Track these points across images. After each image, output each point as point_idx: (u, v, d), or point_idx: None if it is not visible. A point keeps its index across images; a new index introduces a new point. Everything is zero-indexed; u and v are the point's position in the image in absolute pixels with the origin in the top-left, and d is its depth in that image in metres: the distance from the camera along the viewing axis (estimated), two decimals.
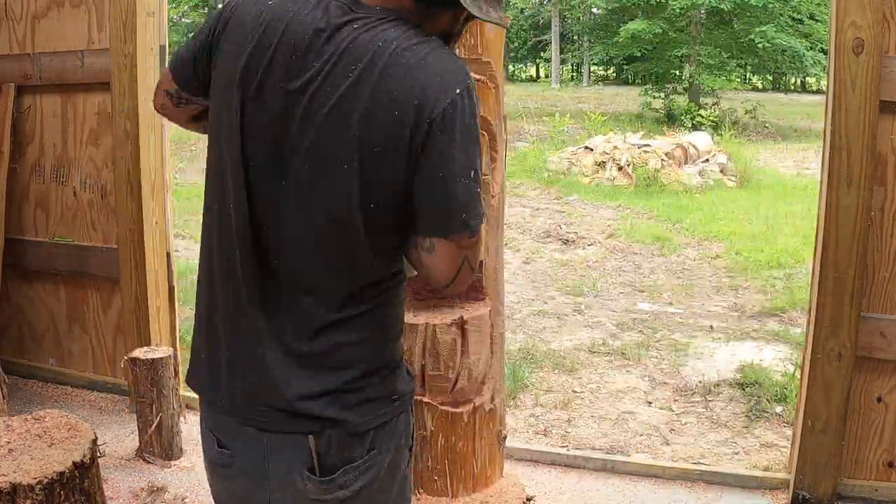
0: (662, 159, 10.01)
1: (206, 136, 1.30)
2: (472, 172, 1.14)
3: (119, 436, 3.18)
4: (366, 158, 1.11)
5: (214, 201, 1.25)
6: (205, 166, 1.29)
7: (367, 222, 1.14)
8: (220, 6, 1.27)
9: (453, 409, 2.03)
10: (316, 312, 1.18)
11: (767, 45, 17.62)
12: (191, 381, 1.33)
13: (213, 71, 1.23)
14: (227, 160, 1.19)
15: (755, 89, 26.86)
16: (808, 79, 26.91)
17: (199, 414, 1.35)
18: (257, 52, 1.16)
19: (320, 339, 1.18)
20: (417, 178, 1.12)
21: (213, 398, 1.27)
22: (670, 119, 16.42)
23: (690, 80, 17.86)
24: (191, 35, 1.32)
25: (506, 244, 2.38)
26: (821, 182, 2.57)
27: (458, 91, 1.12)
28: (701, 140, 11.14)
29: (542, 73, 36.19)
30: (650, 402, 3.77)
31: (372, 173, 1.12)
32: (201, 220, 1.29)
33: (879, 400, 2.62)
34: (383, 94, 1.10)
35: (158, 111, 1.41)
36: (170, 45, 3.32)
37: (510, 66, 34.89)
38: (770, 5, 17.62)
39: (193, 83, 1.30)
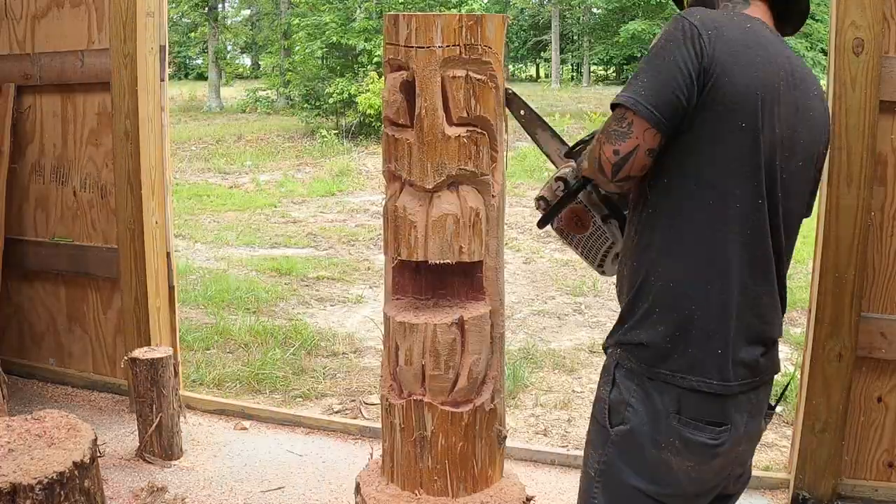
0: None
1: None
2: None
3: (119, 436, 3.18)
4: None
5: None
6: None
7: None
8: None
9: (453, 409, 2.03)
10: None
11: None
12: None
13: None
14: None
15: None
16: None
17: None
18: None
19: None
20: None
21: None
22: None
23: None
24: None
25: (506, 244, 2.38)
26: (821, 182, 2.57)
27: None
28: None
29: (542, 73, 36.18)
30: None
31: None
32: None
33: (879, 400, 2.62)
34: None
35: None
36: (170, 45, 3.32)
37: (511, 66, 34.89)
38: None
39: None
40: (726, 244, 1.39)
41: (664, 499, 1.46)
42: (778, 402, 1.60)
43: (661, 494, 1.46)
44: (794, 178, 1.44)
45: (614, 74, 32.66)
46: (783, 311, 1.52)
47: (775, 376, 1.54)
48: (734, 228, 1.38)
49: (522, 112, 2.03)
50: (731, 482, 1.54)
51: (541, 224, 1.84)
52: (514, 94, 2.03)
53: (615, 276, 1.64)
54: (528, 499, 2.18)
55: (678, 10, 1.55)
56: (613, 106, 1.43)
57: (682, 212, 1.40)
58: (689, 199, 1.39)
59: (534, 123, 2.01)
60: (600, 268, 1.83)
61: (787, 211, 1.44)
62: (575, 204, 1.79)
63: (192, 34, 25.96)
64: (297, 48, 16.27)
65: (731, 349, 1.41)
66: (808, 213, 1.56)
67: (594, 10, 29.53)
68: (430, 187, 1.94)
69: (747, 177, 1.38)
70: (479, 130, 1.95)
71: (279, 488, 2.83)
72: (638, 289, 1.48)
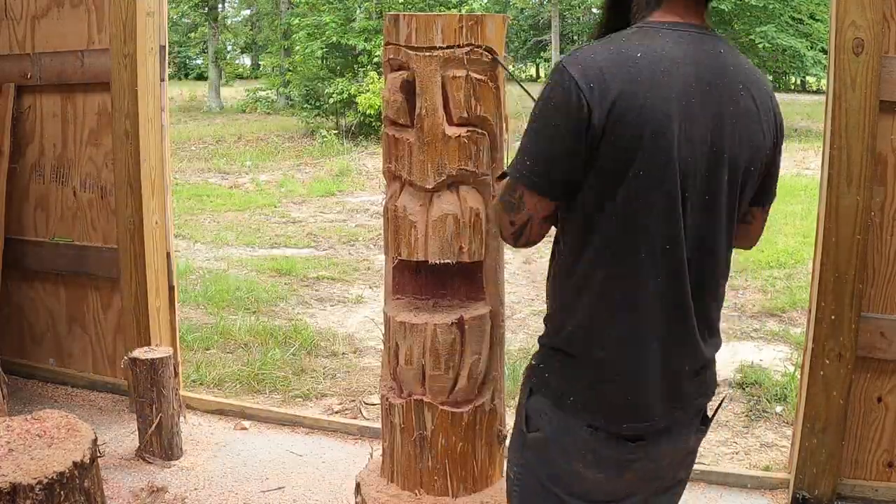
0: None
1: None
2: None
3: (119, 436, 3.18)
4: None
5: None
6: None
7: None
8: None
9: (453, 409, 2.03)
10: None
11: (768, 45, 17.61)
12: None
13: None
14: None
15: None
16: (808, 79, 26.90)
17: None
18: None
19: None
20: None
21: None
22: None
23: None
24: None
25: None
26: (821, 182, 2.57)
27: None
28: None
29: (542, 73, 36.19)
30: None
31: None
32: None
33: (879, 400, 2.62)
34: None
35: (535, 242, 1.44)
36: (170, 45, 3.32)
37: (511, 66, 34.90)
38: (770, 5, 17.63)
39: None
40: (637, 290, 1.32)
41: (576, 502, 1.43)
42: (713, 416, 1.50)
43: (573, 498, 1.43)
44: (717, 199, 1.34)
45: None
46: (712, 335, 1.44)
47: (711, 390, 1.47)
48: (646, 272, 1.31)
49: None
50: (654, 493, 1.48)
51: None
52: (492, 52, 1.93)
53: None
54: None
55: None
56: (502, 175, 1.41)
57: (591, 262, 1.34)
58: (594, 253, 1.33)
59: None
60: None
61: (709, 236, 1.35)
62: None
63: (192, 34, 25.96)
64: (297, 48, 16.26)
65: (646, 390, 1.35)
66: (754, 219, 1.52)
67: (594, 9, 29.50)
68: (431, 187, 1.94)
69: (655, 220, 1.29)
70: (480, 130, 1.95)
71: (279, 488, 2.83)
72: (558, 316, 1.42)
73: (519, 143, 1.37)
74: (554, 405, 1.39)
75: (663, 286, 1.32)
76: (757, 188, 1.45)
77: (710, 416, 1.50)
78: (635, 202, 1.28)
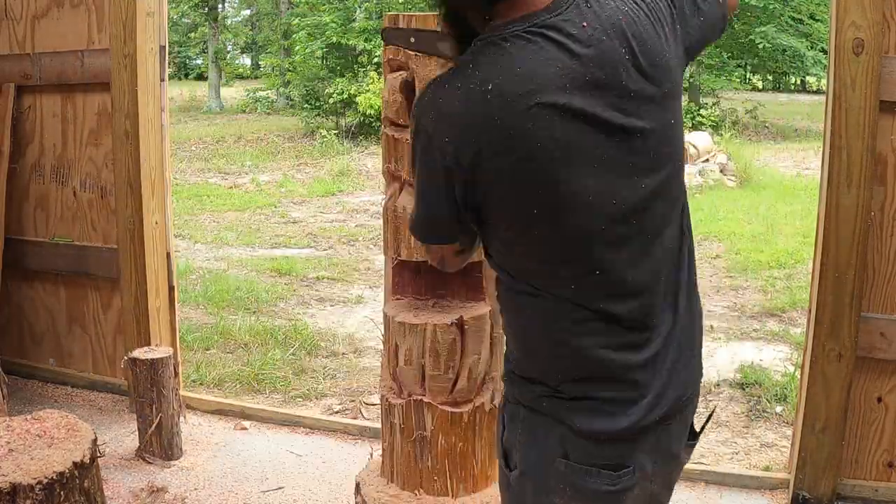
0: None
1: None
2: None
3: (119, 436, 3.18)
4: None
5: None
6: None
7: None
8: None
9: (453, 409, 2.03)
10: None
11: (768, 45, 17.60)
12: None
13: None
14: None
15: (755, 89, 26.84)
16: (808, 79, 26.90)
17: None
18: None
19: None
20: None
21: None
22: None
23: (690, 80, 17.85)
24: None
25: None
26: (821, 182, 2.57)
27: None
28: (701, 140, 11.14)
29: None
30: None
31: None
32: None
33: (879, 400, 2.62)
34: None
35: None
36: (170, 45, 3.32)
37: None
38: (770, 5, 17.61)
39: None
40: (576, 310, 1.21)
41: None
42: (702, 429, 1.39)
43: None
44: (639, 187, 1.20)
45: None
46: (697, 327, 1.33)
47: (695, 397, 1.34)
48: (582, 294, 1.20)
49: (412, 39, 1.82)
50: None
51: None
52: (390, 29, 1.83)
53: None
54: None
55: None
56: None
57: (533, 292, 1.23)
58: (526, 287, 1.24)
59: (431, 41, 1.80)
60: None
61: (643, 221, 1.21)
62: None
63: (192, 34, 25.95)
64: (297, 48, 16.25)
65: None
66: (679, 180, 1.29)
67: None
68: None
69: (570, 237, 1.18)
70: None
71: (279, 488, 2.83)
72: (520, 339, 1.31)
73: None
74: (524, 427, 1.30)
75: (611, 293, 1.26)
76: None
77: (697, 430, 1.38)
78: (536, 235, 1.24)
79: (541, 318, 1.24)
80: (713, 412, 1.97)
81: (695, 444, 1.36)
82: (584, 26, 1.15)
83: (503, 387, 1.36)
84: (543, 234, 1.18)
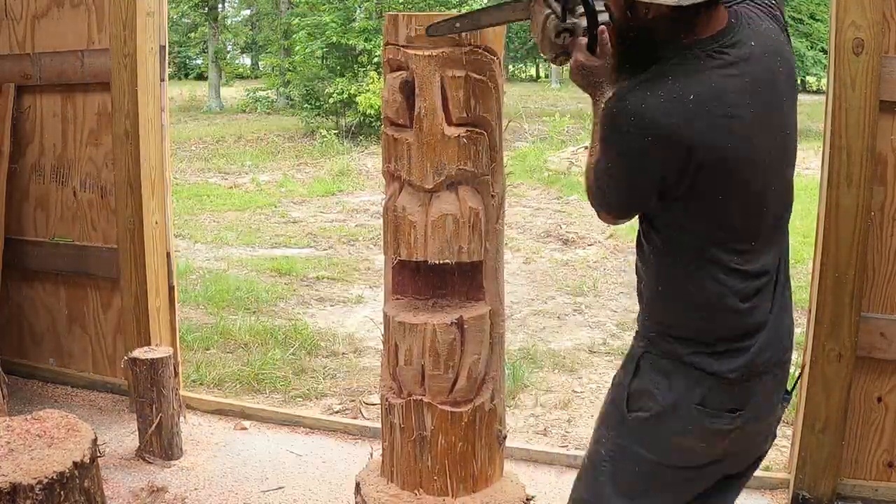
0: None
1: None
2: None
3: (119, 436, 3.18)
4: None
5: None
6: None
7: None
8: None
9: (453, 409, 2.03)
10: None
11: None
12: None
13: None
14: None
15: None
16: (808, 79, 26.89)
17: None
18: None
19: None
20: None
21: None
22: None
23: None
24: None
25: (506, 244, 2.38)
26: (821, 182, 2.57)
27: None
28: None
29: (541, 73, 36.19)
30: None
31: None
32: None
33: (879, 400, 2.62)
34: None
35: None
36: (170, 45, 3.32)
37: (510, 66, 34.88)
38: None
39: None
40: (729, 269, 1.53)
41: (675, 471, 1.60)
42: (793, 388, 1.68)
43: (673, 466, 1.60)
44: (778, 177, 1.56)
45: None
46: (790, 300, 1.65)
47: (791, 360, 1.65)
48: (736, 256, 1.51)
49: (457, 24, 1.85)
50: (740, 461, 1.67)
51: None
52: (434, 24, 1.85)
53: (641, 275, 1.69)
54: (529, 499, 2.18)
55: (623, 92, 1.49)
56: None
57: (700, 250, 1.52)
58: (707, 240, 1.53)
59: (473, 20, 1.84)
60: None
61: (776, 206, 1.57)
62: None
63: (192, 34, 25.94)
64: (297, 48, 16.24)
65: (753, 342, 1.55)
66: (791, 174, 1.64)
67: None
68: (430, 187, 1.95)
69: (739, 213, 1.51)
70: (479, 131, 1.95)
71: (279, 488, 2.83)
72: (673, 296, 1.58)
73: (599, 161, 1.53)
74: (665, 377, 1.57)
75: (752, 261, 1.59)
76: None
77: (790, 389, 1.66)
78: (721, 208, 1.55)
79: (728, 291, 1.51)
80: (801, 373, 2.36)
81: (789, 399, 1.66)
82: (752, 45, 1.46)
83: (639, 343, 1.64)
84: (727, 218, 1.48)
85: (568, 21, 1.63)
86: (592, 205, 1.60)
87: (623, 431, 1.61)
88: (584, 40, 1.58)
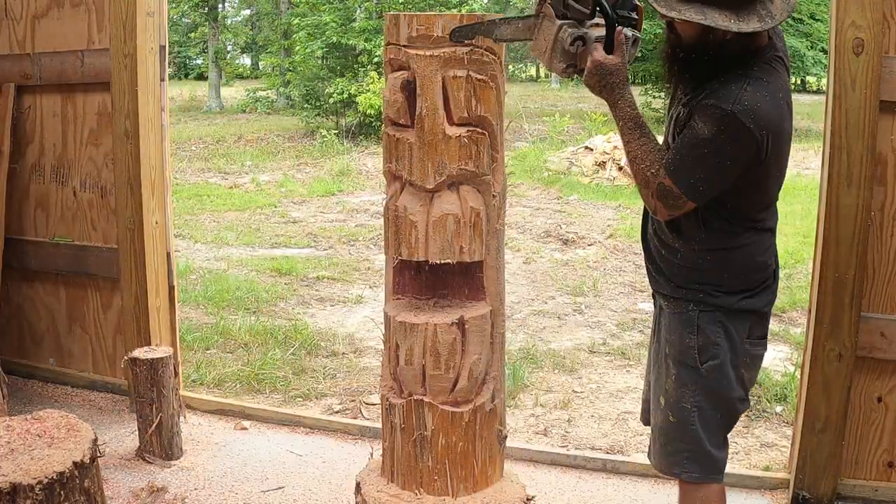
0: None
1: None
2: None
3: (119, 436, 3.18)
4: None
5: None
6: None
7: None
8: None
9: (453, 409, 2.03)
10: None
11: None
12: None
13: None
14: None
15: None
16: (808, 78, 26.89)
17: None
18: None
19: None
20: None
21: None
22: None
23: None
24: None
25: (506, 244, 2.38)
26: (821, 182, 2.57)
27: None
28: None
29: (542, 73, 36.19)
30: None
31: None
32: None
33: (879, 400, 2.62)
34: None
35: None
36: (170, 45, 3.32)
37: (510, 66, 34.88)
38: None
39: None
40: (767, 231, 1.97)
41: (742, 402, 2.00)
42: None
43: (741, 399, 1.99)
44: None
45: None
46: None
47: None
48: (763, 216, 1.93)
49: (477, 28, 1.90)
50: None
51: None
52: (458, 28, 1.89)
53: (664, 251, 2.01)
54: (529, 499, 2.18)
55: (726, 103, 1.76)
56: (671, 187, 1.82)
57: (750, 217, 1.91)
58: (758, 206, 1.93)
59: (490, 30, 1.90)
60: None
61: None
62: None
63: (192, 34, 25.95)
64: (297, 48, 16.24)
65: (774, 280, 2.00)
66: None
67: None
68: (431, 187, 1.95)
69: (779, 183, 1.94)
70: (480, 130, 1.95)
71: (279, 488, 2.83)
72: (713, 264, 1.92)
73: (683, 156, 1.77)
74: (720, 326, 1.91)
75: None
76: None
77: None
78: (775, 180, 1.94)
79: (758, 245, 1.92)
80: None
81: None
82: (776, 49, 1.87)
83: (688, 307, 1.94)
84: (769, 188, 1.89)
85: (580, 29, 1.76)
86: (659, 199, 1.82)
87: (701, 383, 1.94)
88: (599, 44, 1.77)
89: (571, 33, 1.77)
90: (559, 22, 1.77)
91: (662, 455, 2.05)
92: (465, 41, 1.90)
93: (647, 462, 2.22)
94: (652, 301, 2.22)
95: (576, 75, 1.82)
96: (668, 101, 2.10)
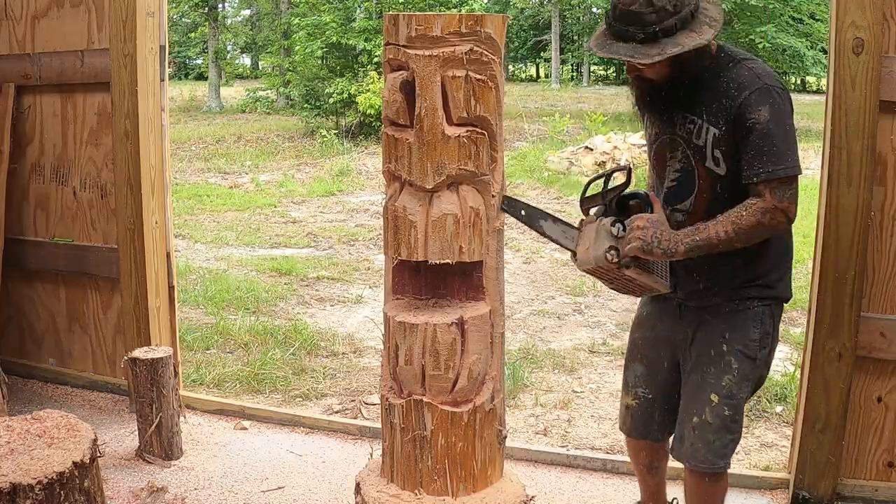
0: None
1: None
2: None
3: (119, 436, 3.18)
4: None
5: None
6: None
7: None
8: None
9: (453, 409, 2.03)
10: None
11: (768, 45, 17.61)
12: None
13: None
14: None
15: None
16: (808, 78, 26.89)
17: None
18: None
19: None
20: None
21: None
22: None
23: None
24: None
25: (506, 244, 2.39)
26: (821, 182, 2.57)
27: None
28: None
29: (542, 73, 36.19)
30: None
31: None
32: None
33: (879, 400, 2.62)
34: None
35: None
36: (170, 45, 3.32)
37: (510, 66, 34.87)
38: (770, 5, 17.63)
39: None
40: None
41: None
42: None
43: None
44: None
45: (614, 74, 32.65)
46: None
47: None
48: None
49: (523, 212, 2.09)
50: None
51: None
52: (509, 197, 2.07)
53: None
54: (529, 499, 2.18)
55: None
56: (786, 177, 1.92)
57: None
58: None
59: (535, 217, 2.09)
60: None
61: None
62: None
63: (192, 34, 25.97)
64: (297, 48, 16.25)
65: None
66: None
67: (594, 9, 29.50)
68: (430, 187, 1.94)
69: None
70: (479, 130, 1.95)
71: (279, 488, 2.83)
72: (764, 258, 2.07)
73: (779, 147, 1.89)
74: (772, 317, 2.10)
75: None
76: None
77: None
78: None
79: (788, 240, 2.11)
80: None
81: None
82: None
83: (748, 304, 2.08)
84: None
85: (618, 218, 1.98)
86: (788, 206, 1.92)
87: (755, 373, 2.11)
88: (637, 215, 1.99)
89: (612, 219, 1.96)
90: (598, 220, 1.99)
91: (710, 451, 2.09)
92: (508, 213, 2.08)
93: None
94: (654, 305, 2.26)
95: (619, 260, 1.94)
96: (650, 132, 2.18)
